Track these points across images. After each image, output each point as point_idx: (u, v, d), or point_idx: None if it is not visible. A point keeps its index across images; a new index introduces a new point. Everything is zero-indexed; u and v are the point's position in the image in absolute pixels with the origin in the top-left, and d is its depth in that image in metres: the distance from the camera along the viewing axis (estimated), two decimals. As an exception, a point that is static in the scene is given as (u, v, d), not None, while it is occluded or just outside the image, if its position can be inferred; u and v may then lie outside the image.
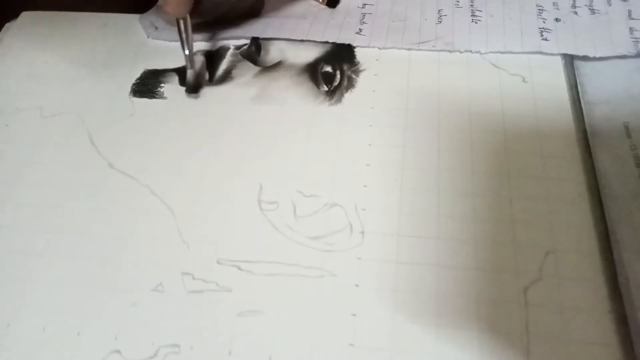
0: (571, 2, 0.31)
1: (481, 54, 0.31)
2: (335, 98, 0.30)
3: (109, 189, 0.27)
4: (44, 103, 0.31)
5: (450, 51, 0.31)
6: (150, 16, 0.36)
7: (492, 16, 0.32)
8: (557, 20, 0.30)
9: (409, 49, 0.32)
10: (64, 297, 0.24)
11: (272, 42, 0.34)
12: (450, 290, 0.23)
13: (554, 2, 0.31)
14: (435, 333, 0.22)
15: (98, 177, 0.28)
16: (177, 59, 0.33)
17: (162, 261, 0.25)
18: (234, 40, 0.34)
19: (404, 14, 0.33)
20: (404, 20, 0.32)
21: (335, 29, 0.33)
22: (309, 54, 0.33)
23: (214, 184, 0.27)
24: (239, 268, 0.24)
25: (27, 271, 0.25)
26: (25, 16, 0.37)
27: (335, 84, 0.31)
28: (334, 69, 0.32)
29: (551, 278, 0.23)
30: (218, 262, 0.24)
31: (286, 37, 0.33)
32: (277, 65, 0.32)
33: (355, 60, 0.32)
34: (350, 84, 0.31)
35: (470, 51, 0.31)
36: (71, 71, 0.33)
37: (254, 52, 0.33)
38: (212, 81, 0.32)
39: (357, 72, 0.31)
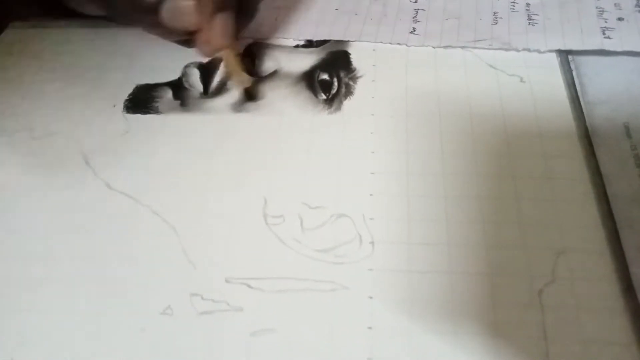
0: (635, 2, 0.31)
1: (540, 52, 0.30)
2: (334, 106, 0.30)
3: (108, 211, 0.26)
4: (34, 124, 0.30)
5: (506, 49, 0.31)
6: None
7: (549, 19, 0.32)
8: (620, 19, 0.30)
9: (463, 47, 0.31)
10: (69, 327, 0.23)
11: (266, 50, 0.33)
12: (465, 297, 0.23)
13: (615, 3, 0.31)
14: (453, 341, 0.22)
15: (96, 199, 0.27)
16: (168, 73, 0.32)
17: (169, 283, 0.24)
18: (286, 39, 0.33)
19: (458, 12, 0.33)
20: (458, 18, 0.32)
21: (389, 28, 0.33)
22: (305, 62, 0.32)
23: (217, 200, 0.26)
24: (248, 286, 0.24)
25: (28, 301, 0.24)
26: (9, 33, 0.36)
27: (333, 91, 0.31)
28: (330, 76, 0.31)
29: (564, 279, 0.23)
30: (227, 281, 0.24)
31: (340, 38, 0.33)
32: (273, 74, 0.32)
33: (352, 66, 0.32)
34: (349, 91, 0.30)
35: (529, 49, 0.30)
36: (60, 90, 0.32)
37: (248, 62, 0.33)
38: (207, 93, 0.31)
39: (354, 78, 0.31)
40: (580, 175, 0.26)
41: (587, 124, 0.27)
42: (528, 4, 0.33)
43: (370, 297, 0.23)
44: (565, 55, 0.30)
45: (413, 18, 0.33)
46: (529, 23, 0.31)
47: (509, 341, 0.21)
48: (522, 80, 0.30)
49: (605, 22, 0.30)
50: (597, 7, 0.31)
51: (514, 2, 0.33)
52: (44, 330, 0.23)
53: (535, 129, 0.28)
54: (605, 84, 0.28)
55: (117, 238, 0.25)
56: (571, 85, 0.29)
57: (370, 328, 0.22)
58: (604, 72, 0.28)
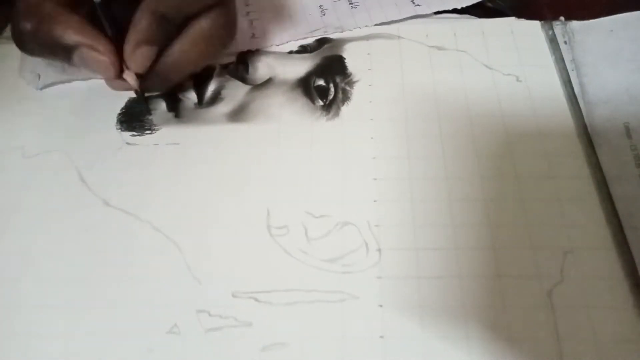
0: None
1: (368, 27, 0.33)
2: (332, 112, 0.30)
3: (107, 229, 0.26)
4: (25, 142, 0.29)
5: (341, 32, 0.33)
6: (26, 65, 0.32)
7: (367, 0, 0.35)
8: None
9: (303, 38, 0.33)
10: (74, 350, 0.22)
11: (259, 57, 0.33)
12: (475, 301, 0.23)
13: None
14: (467, 346, 0.22)
15: (94, 217, 0.26)
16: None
17: (175, 301, 0.23)
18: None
19: (288, 13, 0.35)
20: (290, 16, 0.34)
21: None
22: (299, 69, 0.32)
23: (219, 213, 0.26)
24: (256, 300, 0.23)
25: (30, 326, 0.23)
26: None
27: (330, 97, 0.30)
28: (327, 82, 0.31)
29: (573, 278, 0.23)
30: (234, 296, 0.23)
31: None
32: (268, 82, 0.31)
33: (347, 71, 0.31)
34: (346, 97, 0.30)
35: (359, 27, 0.33)
36: (50, 106, 0.31)
37: (241, 70, 0.32)
38: (201, 104, 0.31)
39: (350, 83, 0.31)
40: (582, 173, 0.26)
41: (588, 123, 0.27)
42: None
43: (381, 306, 0.23)
44: (559, 53, 0.30)
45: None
46: (352, 7, 0.34)
47: (522, 343, 0.21)
48: (519, 79, 0.30)
49: None
50: None
51: None
52: (47, 356, 0.22)
53: (534, 128, 0.28)
54: (605, 84, 0.28)
55: (117, 256, 0.25)
56: (567, 82, 0.29)
57: (382, 337, 0.22)
58: (604, 72, 0.28)
